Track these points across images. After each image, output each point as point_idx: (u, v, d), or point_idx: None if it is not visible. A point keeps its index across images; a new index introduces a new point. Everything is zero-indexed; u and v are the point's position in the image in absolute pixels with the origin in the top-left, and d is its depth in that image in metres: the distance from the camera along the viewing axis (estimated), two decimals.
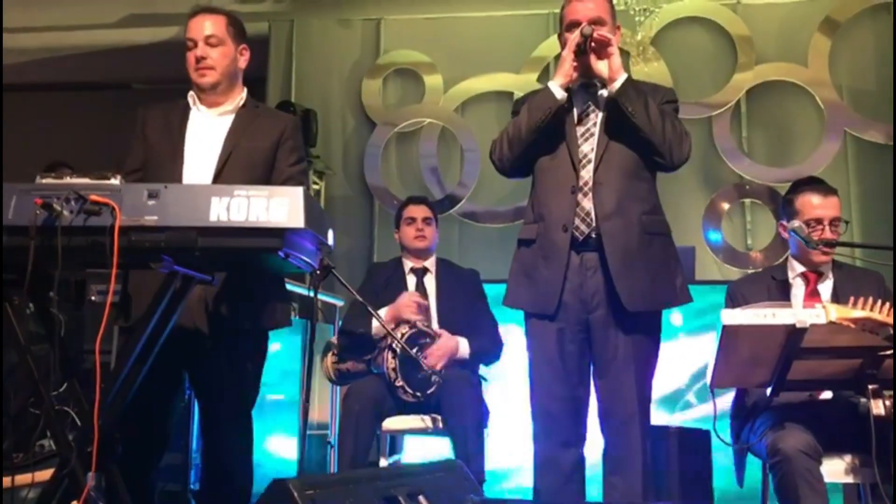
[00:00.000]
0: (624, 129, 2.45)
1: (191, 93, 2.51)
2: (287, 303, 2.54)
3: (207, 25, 2.45)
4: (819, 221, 2.70)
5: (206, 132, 2.46)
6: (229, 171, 2.38)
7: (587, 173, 2.46)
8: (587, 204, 2.44)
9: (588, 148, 2.48)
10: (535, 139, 2.49)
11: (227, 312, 2.34)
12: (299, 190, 1.85)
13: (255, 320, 2.40)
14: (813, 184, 2.82)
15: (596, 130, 2.49)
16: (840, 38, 4.98)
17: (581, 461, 2.49)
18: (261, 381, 2.47)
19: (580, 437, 2.49)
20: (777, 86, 5.02)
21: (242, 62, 2.53)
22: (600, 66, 2.44)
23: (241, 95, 2.52)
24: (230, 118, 2.48)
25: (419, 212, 3.64)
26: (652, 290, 2.43)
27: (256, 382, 2.46)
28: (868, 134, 4.86)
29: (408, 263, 3.63)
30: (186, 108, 2.50)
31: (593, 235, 2.43)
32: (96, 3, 5.61)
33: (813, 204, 2.72)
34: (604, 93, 2.51)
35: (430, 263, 3.64)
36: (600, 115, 2.51)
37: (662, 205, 2.56)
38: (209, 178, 2.38)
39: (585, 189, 2.44)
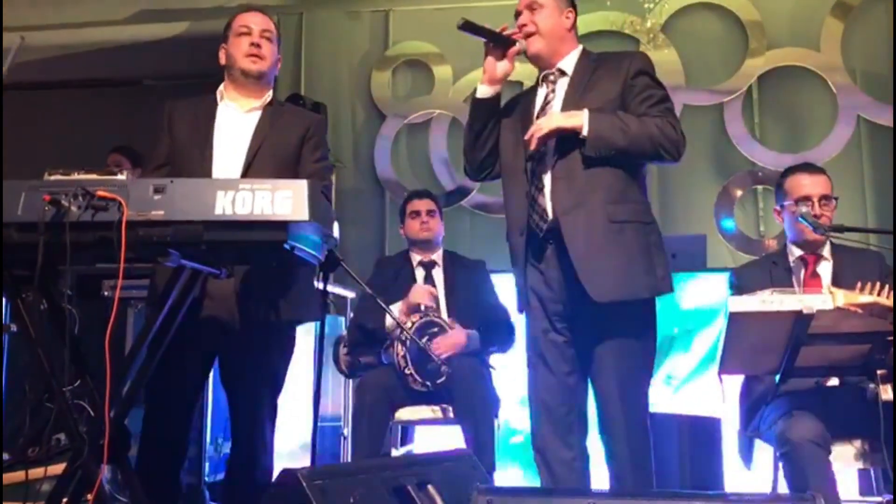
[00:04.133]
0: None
1: (220, 88, 2.54)
2: (316, 297, 2.58)
3: (264, 20, 2.54)
4: (808, 199, 2.74)
5: (235, 127, 2.49)
6: (258, 165, 2.42)
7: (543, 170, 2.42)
8: (542, 201, 2.40)
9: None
10: (476, 140, 2.56)
11: (259, 306, 2.38)
12: (303, 183, 1.87)
13: (286, 314, 2.44)
14: (801, 165, 2.90)
15: None
16: (853, 22, 4.92)
17: (583, 453, 2.44)
18: (286, 373, 2.52)
19: (581, 430, 2.44)
20: (789, 71, 4.96)
21: (277, 67, 2.61)
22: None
23: (268, 94, 2.57)
24: (258, 114, 2.52)
25: (422, 205, 3.66)
26: (623, 280, 2.30)
27: (283, 374, 2.51)
28: (882, 118, 4.79)
29: (415, 257, 3.64)
30: (214, 103, 2.53)
31: (549, 229, 2.38)
32: (106, 0, 5.65)
33: (801, 183, 2.77)
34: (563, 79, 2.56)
35: (438, 256, 3.65)
36: (558, 104, 2.48)
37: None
38: (238, 171, 2.41)
39: (542, 186, 2.41)
